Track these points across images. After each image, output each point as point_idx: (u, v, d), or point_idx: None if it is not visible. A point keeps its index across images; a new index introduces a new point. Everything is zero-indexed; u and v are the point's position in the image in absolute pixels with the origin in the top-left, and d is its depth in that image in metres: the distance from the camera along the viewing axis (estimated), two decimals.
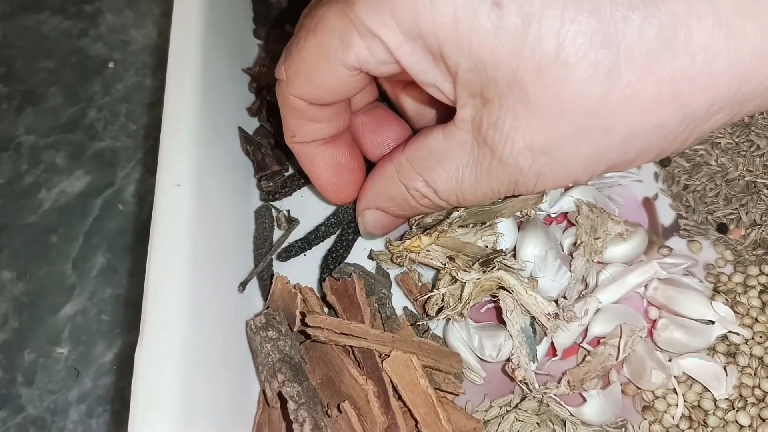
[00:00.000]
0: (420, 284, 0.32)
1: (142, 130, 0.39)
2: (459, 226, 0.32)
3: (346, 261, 0.33)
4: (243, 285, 0.31)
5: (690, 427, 0.29)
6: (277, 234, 0.34)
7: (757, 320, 0.31)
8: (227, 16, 0.38)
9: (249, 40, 0.40)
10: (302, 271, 0.32)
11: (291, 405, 0.27)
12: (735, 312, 0.31)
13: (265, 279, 0.32)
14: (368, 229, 0.31)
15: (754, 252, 0.33)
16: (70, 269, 0.35)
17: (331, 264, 0.32)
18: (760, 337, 0.30)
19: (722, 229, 0.33)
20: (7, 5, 0.45)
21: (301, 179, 0.34)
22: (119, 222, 0.36)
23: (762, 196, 0.33)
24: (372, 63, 0.24)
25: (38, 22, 0.44)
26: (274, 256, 0.33)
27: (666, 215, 0.34)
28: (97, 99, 0.40)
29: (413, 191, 0.28)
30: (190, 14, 0.34)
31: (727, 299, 0.31)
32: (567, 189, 0.34)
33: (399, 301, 0.32)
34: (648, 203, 0.35)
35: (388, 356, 0.28)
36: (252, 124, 0.36)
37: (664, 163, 0.35)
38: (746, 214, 0.33)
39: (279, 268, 0.33)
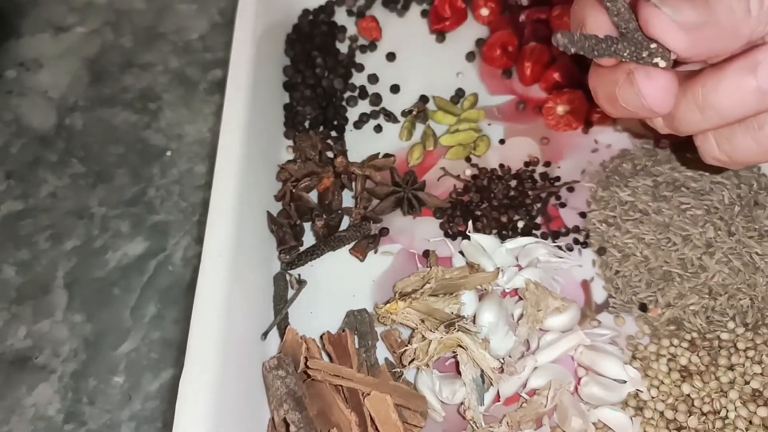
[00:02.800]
0: (399, 340, 0.41)
1: (190, 207, 0.49)
2: (430, 295, 0.40)
3: (355, 309, 0.41)
4: (265, 334, 0.40)
5: None
6: (291, 293, 0.43)
7: (662, 382, 0.39)
8: (264, 120, 0.48)
9: (280, 140, 0.50)
10: (309, 326, 0.41)
11: (293, 428, 0.36)
12: (646, 375, 0.39)
13: (282, 328, 0.41)
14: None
15: (667, 328, 0.41)
16: (128, 315, 0.44)
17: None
18: (663, 395, 0.38)
19: (643, 308, 0.41)
20: (88, 101, 0.56)
21: (313, 254, 0.44)
22: (168, 280, 0.45)
23: (675, 282, 0.41)
24: None
25: (112, 115, 0.55)
26: (288, 310, 0.42)
27: (599, 295, 0.43)
28: (155, 180, 0.50)
29: None
30: (236, 117, 0.44)
31: (641, 365, 0.39)
32: (520, 269, 0.43)
33: (382, 352, 0.40)
34: (585, 284, 0.43)
35: (369, 395, 0.37)
36: (276, 207, 0.46)
37: (600, 252, 0.44)
38: (662, 296, 0.41)
39: (293, 322, 0.41)
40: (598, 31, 0.26)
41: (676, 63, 0.28)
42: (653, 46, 0.25)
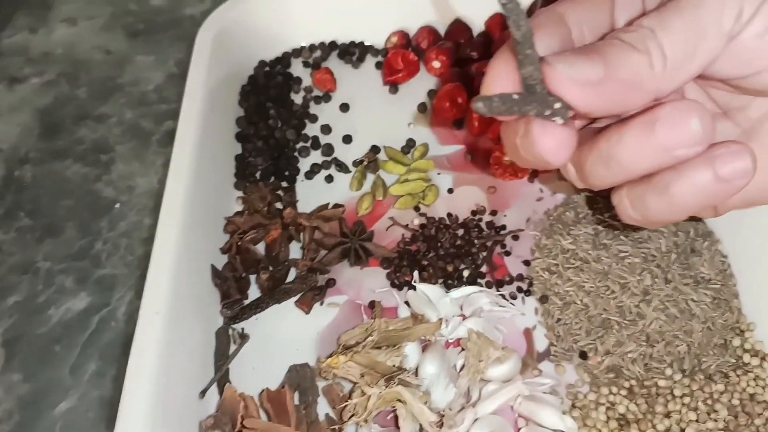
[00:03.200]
0: (341, 395, 0.41)
1: (136, 260, 0.49)
2: (372, 348, 0.40)
3: (297, 364, 0.41)
4: (203, 392, 0.40)
5: None
6: (233, 348, 0.43)
7: (600, 431, 0.39)
8: (213, 171, 0.48)
9: (230, 191, 0.50)
10: (251, 382, 0.41)
11: None
12: (585, 424, 0.39)
13: (222, 386, 0.40)
14: (559, 60, 0.25)
15: (606, 375, 0.41)
16: (67, 374, 0.43)
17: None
18: None
19: (583, 356, 0.42)
20: (39, 153, 0.56)
21: (257, 308, 0.44)
22: (110, 336, 0.45)
23: (614, 330, 0.42)
24: None
25: (63, 168, 0.55)
26: (229, 366, 0.41)
27: (541, 343, 0.43)
28: (103, 233, 0.50)
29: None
30: (183, 169, 0.44)
31: (581, 413, 0.40)
32: (464, 320, 0.43)
33: (323, 408, 0.40)
34: (528, 333, 0.43)
35: None
36: (222, 260, 0.46)
37: (542, 300, 0.44)
38: (602, 344, 0.42)
39: (235, 377, 0.41)
40: (510, 87, 0.27)
41: (593, 118, 0.29)
42: (557, 105, 0.25)
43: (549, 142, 0.25)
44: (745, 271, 0.44)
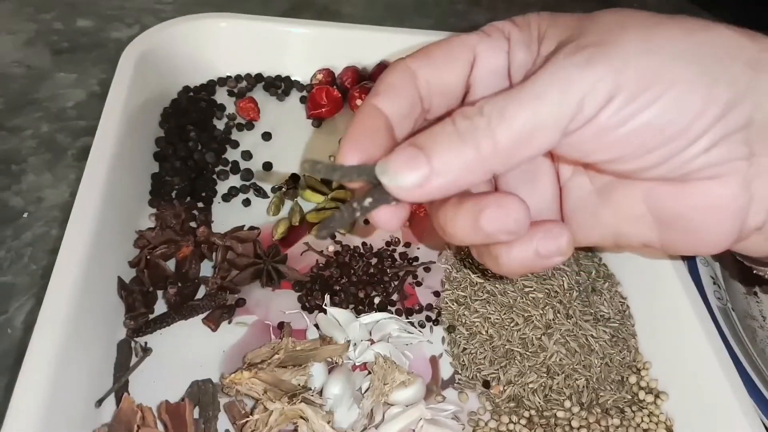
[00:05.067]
0: (243, 411, 0.40)
1: (40, 270, 0.47)
2: (278, 366, 0.40)
3: (200, 380, 0.40)
4: (99, 402, 0.38)
5: None
6: (134, 360, 0.41)
7: None
8: (127, 187, 0.48)
9: (143, 208, 0.50)
10: (151, 395, 0.40)
11: None
12: None
13: (120, 396, 0.39)
14: (389, 165, 0.26)
15: (507, 404, 0.42)
16: None
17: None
18: None
19: (486, 385, 0.43)
20: None
21: (163, 322, 0.43)
22: (6, 344, 0.43)
23: (516, 361, 0.43)
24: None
25: None
26: (129, 378, 0.40)
27: (446, 371, 0.44)
28: (7, 242, 0.48)
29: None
30: (95, 182, 0.44)
31: None
32: (372, 344, 0.44)
33: (224, 424, 0.39)
34: (434, 360, 0.44)
35: None
36: (131, 274, 0.45)
37: (450, 330, 0.45)
38: (504, 374, 0.43)
39: (134, 390, 0.40)
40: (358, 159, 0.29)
41: None
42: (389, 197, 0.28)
43: (381, 215, 0.29)
44: (643, 313, 0.47)
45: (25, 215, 0.50)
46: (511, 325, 0.44)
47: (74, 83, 0.63)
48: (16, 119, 0.58)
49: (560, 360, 0.43)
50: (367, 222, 0.52)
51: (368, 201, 0.28)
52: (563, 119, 0.26)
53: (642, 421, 0.43)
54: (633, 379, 0.44)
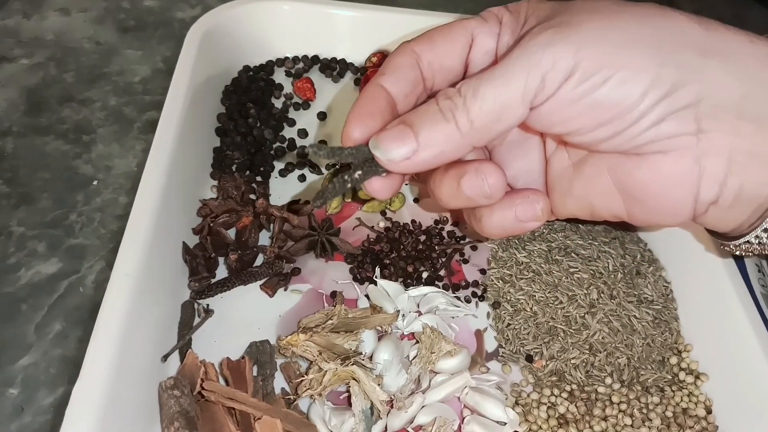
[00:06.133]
0: (297, 372, 0.42)
1: (109, 234, 0.50)
2: (331, 331, 0.42)
3: (258, 341, 0.43)
4: (165, 356, 0.41)
5: None
6: (197, 321, 0.44)
7: (540, 427, 0.41)
8: (191, 158, 0.50)
9: (206, 179, 0.52)
10: (211, 353, 0.42)
11: None
12: (526, 420, 0.41)
13: (184, 353, 0.42)
14: (380, 142, 0.31)
15: (549, 378, 0.44)
16: (32, 331, 0.44)
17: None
18: None
19: (529, 359, 0.44)
20: (22, 127, 0.57)
21: (223, 286, 0.45)
22: (77, 301, 0.46)
23: (559, 337, 0.45)
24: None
25: (44, 143, 0.56)
26: (192, 336, 0.43)
27: (490, 344, 0.45)
28: (78, 206, 0.51)
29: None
30: (163, 152, 0.46)
31: (523, 410, 0.42)
32: (420, 315, 0.45)
33: (280, 383, 0.42)
34: (478, 333, 0.46)
35: (260, 419, 0.38)
36: (194, 240, 0.48)
37: (495, 306, 0.47)
38: (547, 349, 0.44)
39: (197, 348, 0.42)
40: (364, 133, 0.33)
41: None
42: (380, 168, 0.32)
43: (375, 185, 0.33)
44: (687, 297, 0.48)
45: (95, 182, 0.54)
46: (555, 303, 0.46)
47: (140, 59, 0.65)
48: (87, 92, 0.61)
49: (603, 338, 0.44)
50: (416, 200, 0.54)
51: (358, 173, 0.32)
52: (528, 95, 0.29)
53: (681, 400, 0.43)
54: (674, 360, 0.45)
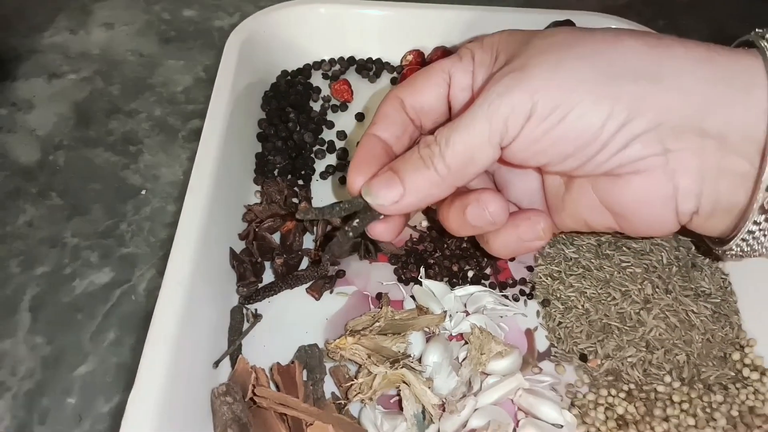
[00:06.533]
0: (347, 376, 0.42)
1: (158, 242, 0.51)
2: (379, 333, 0.42)
3: (306, 345, 0.43)
4: (216, 363, 0.42)
5: None
6: (246, 326, 0.44)
7: (599, 429, 0.40)
8: (235, 165, 0.51)
9: (249, 185, 0.52)
10: (261, 358, 0.42)
11: None
12: (584, 422, 0.40)
13: (234, 359, 0.42)
14: (371, 188, 0.36)
15: (605, 378, 0.43)
16: (87, 340, 0.45)
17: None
18: None
19: (583, 358, 0.43)
20: (73, 140, 0.58)
21: (270, 291, 0.46)
22: (130, 308, 0.47)
23: (614, 335, 0.43)
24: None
25: (93, 155, 0.57)
26: (242, 341, 0.43)
27: (542, 343, 0.44)
28: (128, 216, 0.53)
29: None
30: (208, 160, 0.47)
31: (579, 412, 0.41)
32: (468, 315, 0.45)
33: (330, 387, 0.41)
34: (529, 333, 0.45)
35: (312, 425, 0.38)
36: (240, 246, 0.48)
37: (544, 303, 0.46)
38: (602, 348, 0.43)
39: (246, 353, 0.43)
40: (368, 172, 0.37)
41: None
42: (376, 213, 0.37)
43: (376, 229, 0.38)
44: (746, 290, 0.46)
45: (143, 192, 0.55)
46: (608, 299, 0.44)
47: (182, 69, 0.66)
48: (132, 103, 0.63)
49: (659, 335, 0.43)
50: None
51: (356, 222, 0.36)
52: (494, 138, 0.32)
53: (747, 398, 0.42)
54: (736, 356, 0.43)
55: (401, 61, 0.63)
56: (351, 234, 0.36)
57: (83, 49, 0.69)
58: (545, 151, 0.33)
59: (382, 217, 0.36)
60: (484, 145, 0.33)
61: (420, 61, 0.62)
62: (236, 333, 0.43)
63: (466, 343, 0.43)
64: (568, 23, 0.58)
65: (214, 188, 0.46)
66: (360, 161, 0.37)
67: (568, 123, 0.32)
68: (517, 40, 0.35)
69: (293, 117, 0.57)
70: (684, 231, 0.37)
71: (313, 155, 0.56)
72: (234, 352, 0.42)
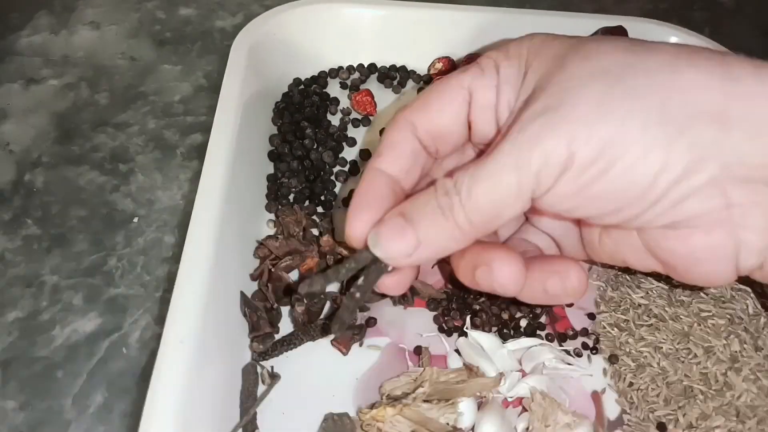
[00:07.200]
0: None
1: (154, 281, 0.43)
2: (423, 401, 0.35)
3: (334, 413, 0.36)
4: None
5: None
6: (261, 389, 0.37)
7: None
8: (245, 191, 0.44)
9: (260, 213, 0.46)
10: (281, 430, 0.36)
11: None
12: None
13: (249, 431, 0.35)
14: (380, 239, 0.30)
15: None
16: (69, 404, 0.37)
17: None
18: None
19: (662, 428, 0.37)
20: (53, 157, 0.51)
21: (290, 344, 0.38)
22: (121, 365, 0.39)
23: (698, 400, 0.37)
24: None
25: (77, 174, 0.50)
26: (257, 410, 0.36)
27: (612, 409, 0.38)
28: (118, 249, 0.45)
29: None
30: (214, 184, 0.40)
31: None
32: (524, 376, 0.38)
33: None
34: (596, 396, 0.38)
35: None
36: (252, 287, 0.41)
37: (612, 360, 0.39)
38: (683, 416, 0.37)
39: (262, 424, 0.36)
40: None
41: None
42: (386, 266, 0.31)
43: (387, 283, 0.32)
44: None
45: (136, 220, 0.47)
46: (689, 357, 0.38)
47: (180, 76, 0.59)
48: (122, 114, 0.55)
49: (751, 401, 0.36)
50: None
51: (362, 280, 0.31)
52: (523, 193, 0.27)
53: None
54: None
55: (429, 70, 0.57)
56: (359, 296, 0.31)
57: (66, 52, 0.61)
58: (583, 206, 0.28)
59: (391, 269, 0.31)
60: (510, 198, 0.28)
61: (450, 69, 0.56)
62: (250, 398, 0.36)
63: (525, 410, 0.36)
64: (620, 31, 0.51)
65: (222, 218, 0.39)
66: (361, 203, 0.31)
67: (611, 176, 0.26)
68: (550, 54, 0.29)
69: (310, 133, 0.50)
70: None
71: (333, 177, 0.49)
72: (248, 424, 0.35)
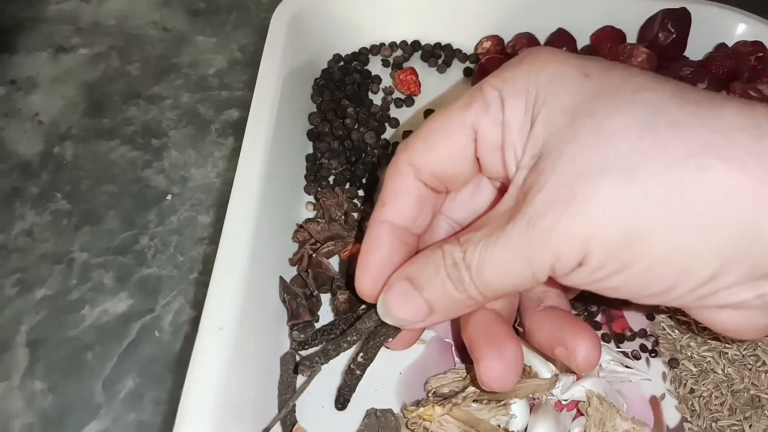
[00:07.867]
0: None
1: (188, 262, 0.42)
2: (473, 401, 0.33)
3: (377, 409, 0.34)
4: (266, 431, 0.32)
5: None
6: (300, 380, 0.35)
7: None
8: (284, 172, 0.42)
9: (299, 195, 0.44)
10: (320, 423, 0.34)
11: None
12: None
13: (288, 425, 0.33)
14: (389, 307, 0.30)
15: None
16: (99, 389, 0.36)
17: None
18: None
19: None
20: (83, 130, 0.49)
21: (330, 333, 0.36)
22: (153, 349, 0.37)
23: (766, 411, 0.34)
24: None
25: (108, 149, 0.48)
26: (296, 402, 0.34)
27: (672, 417, 0.35)
28: (151, 228, 0.43)
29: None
30: (254, 165, 0.38)
31: None
32: (579, 378, 0.36)
33: None
34: (655, 402, 0.36)
35: None
36: (290, 272, 0.39)
37: (672, 364, 0.37)
38: (750, 427, 0.34)
39: (301, 417, 0.34)
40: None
41: None
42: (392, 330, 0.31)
43: (397, 344, 0.32)
44: None
45: (169, 197, 0.45)
46: (757, 364, 0.35)
47: (214, 48, 0.57)
48: (155, 87, 0.53)
49: None
50: None
51: (360, 356, 0.31)
52: (538, 278, 0.26)
53: None
54: None
55: (476, 49, 0.54)
56: (359, 372, 0.32)
57: (96, 20, 0.59)
58: (604, 291, 0.26)
59: (395, 332, 0.31)
60: (525, 283, 0.26)
61: (499, 50, 0.53)
62: (288, 389, 0.34)
63: (580, 413, 0.34)
64: (683, 14, 0.48)
65: (261, 199, 0.37)
66: (368, 262, 0.31)
67: (629, 275, 0.24)
68: (559, 107, 0.26)
69: (351, 112, 0.47)
70: None
71: (375, 159, 0.46)
72: (287, 416, 0.33)
